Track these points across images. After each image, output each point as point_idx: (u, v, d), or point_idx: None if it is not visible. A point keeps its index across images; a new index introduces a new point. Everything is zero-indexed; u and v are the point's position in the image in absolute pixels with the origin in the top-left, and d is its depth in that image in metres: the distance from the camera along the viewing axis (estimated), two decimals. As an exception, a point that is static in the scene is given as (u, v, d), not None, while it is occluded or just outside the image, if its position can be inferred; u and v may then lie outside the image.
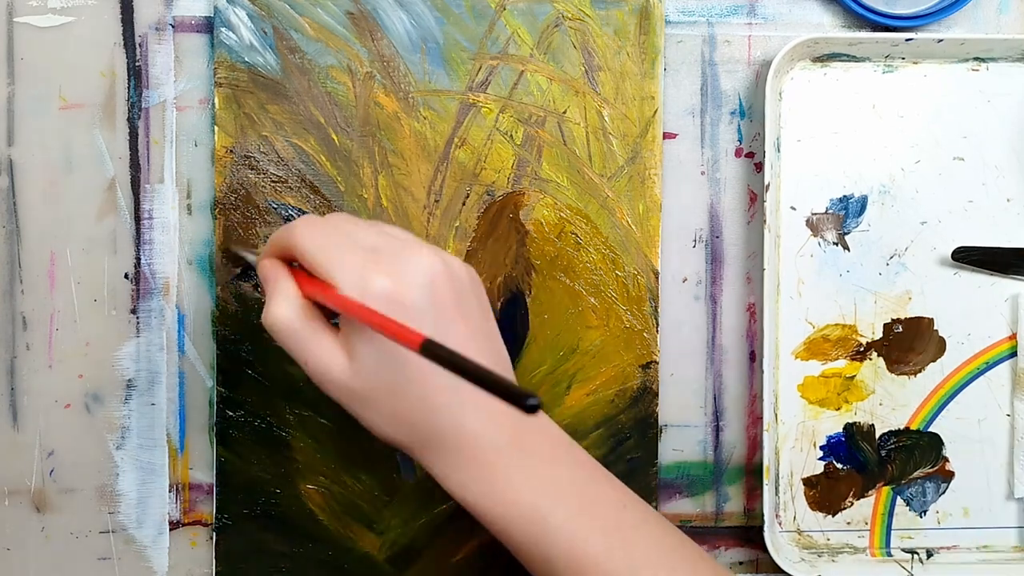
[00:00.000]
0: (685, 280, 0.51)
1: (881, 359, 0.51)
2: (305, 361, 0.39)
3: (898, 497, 0.52)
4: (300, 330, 0.39)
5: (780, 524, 0.51)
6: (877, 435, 0.51)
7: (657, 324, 0.50)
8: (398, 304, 0.37)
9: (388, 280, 0.37)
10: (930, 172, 0.51)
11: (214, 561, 0.50)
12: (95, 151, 0.49)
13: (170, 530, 0.50)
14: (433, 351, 0.33)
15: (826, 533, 0.52)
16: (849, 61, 0.50)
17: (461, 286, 0.39)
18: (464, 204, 0.50)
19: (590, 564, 0.39)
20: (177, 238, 0.50)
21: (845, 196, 0.51)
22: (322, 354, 0.39)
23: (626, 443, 0.50)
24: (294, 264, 0.41)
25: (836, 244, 0.51)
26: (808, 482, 0.52)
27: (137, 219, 0.50)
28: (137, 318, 0.50)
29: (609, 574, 0.38)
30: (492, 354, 0.41)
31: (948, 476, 0.52)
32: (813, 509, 0.52)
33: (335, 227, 0.40)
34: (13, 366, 0.49)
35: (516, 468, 0.39)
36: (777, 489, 0.51)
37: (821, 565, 0.50)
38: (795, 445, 0.51)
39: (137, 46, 0.49)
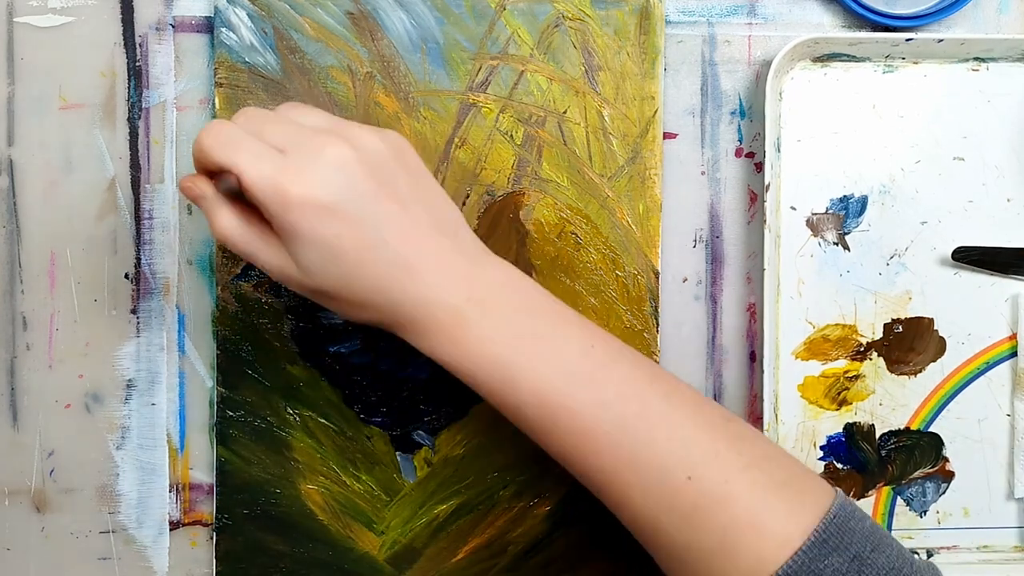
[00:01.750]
0: (685, 280, 0.51)
1: (881, 359, 0.51)
2: (262, 266, 0.40)
3: (898, 497, 0.52)
4: (251, 241, 0.40)
5: (780, 524, 0.51)
6: (877, 435, 0.51)
7: (657, 324, 0.50)
8: (321, 209, 0.38)
9: (303, 188, 0.38)
10: (930, 172, 0.51)
11: (214, 561, 0.50)
12: (95, 151, 0.49)
13: (170, 530, 0.50)
14: None
15: (826, 533, 0.52)
16: (849, 61, 0.50)
17: (379, 163, 0.40)
18: (464, 204, 0.50)
19: (557, 407, 0.39)
20: (177, 238, 0.50)
21: (845, 196, 0.51)
22: (273, 259, 0.40)
23: (626, 443, 0.50)
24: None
25: (836, 244, 0.51)
26: (808, 482, 0.52)
27: (137, 219, 0.50)
28: (137, 318, 0.50)
29: (577, 414, 0.39)
30: (431, 218, 0.41)
31: (948, 476, 0.52)
32: (813, 509, 0.52)
33: (241, 127, 0.40)
34: (13, 366, 0.49)
35: (476, 324, 0.40)
36: (777, 489, 0.51)
37: (821, 565, 0.50)
38: (795, 445, 0.51)
39: (137, 46, 0.49)
